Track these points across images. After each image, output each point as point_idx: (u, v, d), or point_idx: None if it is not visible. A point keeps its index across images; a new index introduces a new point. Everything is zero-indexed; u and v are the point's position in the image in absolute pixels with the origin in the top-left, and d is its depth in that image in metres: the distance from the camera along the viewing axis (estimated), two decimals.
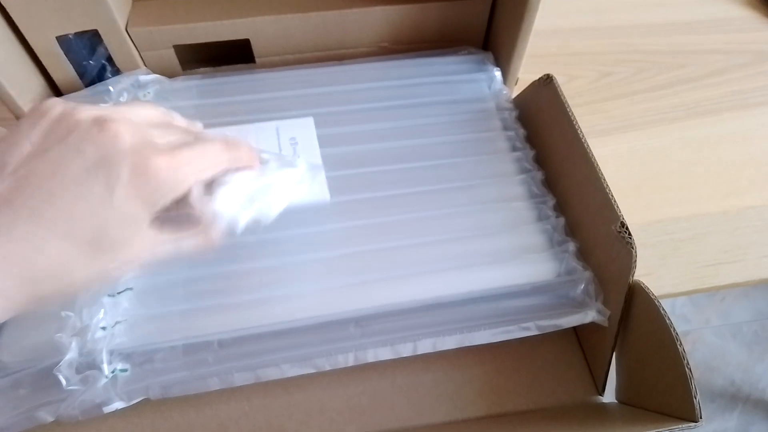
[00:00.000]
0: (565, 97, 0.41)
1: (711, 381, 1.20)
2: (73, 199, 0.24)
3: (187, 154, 0.27)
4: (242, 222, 0.31)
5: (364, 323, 0.35)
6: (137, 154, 0.25)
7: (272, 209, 0.33)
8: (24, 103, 0.43)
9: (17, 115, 0.44)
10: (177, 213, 0.28)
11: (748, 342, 1.25)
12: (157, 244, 0.27)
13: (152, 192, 0.25)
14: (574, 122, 0.39)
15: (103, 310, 0.33)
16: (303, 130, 0.40)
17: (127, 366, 0.32)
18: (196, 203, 0.29)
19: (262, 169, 0.35)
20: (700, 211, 0.46)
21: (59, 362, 0.31)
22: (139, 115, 0.28)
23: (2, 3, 0.41)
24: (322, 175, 0.37)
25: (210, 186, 0.31)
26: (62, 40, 0.44)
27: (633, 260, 0.32)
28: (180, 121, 0.31)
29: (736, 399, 1.18)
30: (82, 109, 0.26)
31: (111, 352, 0.32)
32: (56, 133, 0.24)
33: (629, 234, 0.33)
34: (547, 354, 0.38)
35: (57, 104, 0.26)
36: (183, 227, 0.29)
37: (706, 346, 1.24)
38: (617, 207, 0.34)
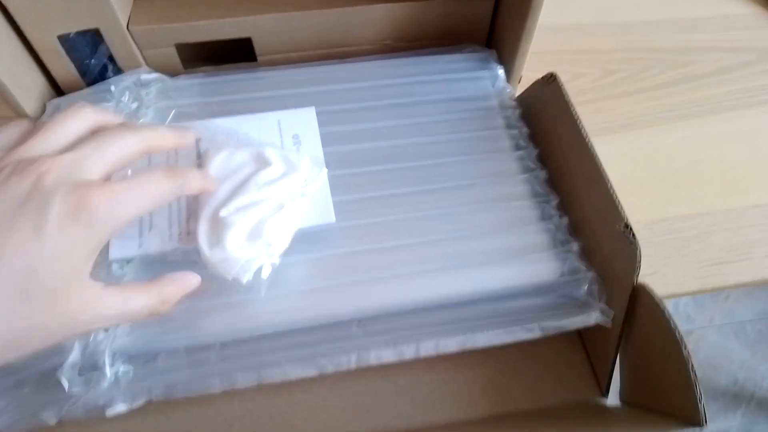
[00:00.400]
0: (568, 96, 0.41)
1: (714, 380, 1.20)
2: None
3: (123, 185, 0.26)
4: (253, 268, 0.32)
5: (367, 324, 0.35)
6: (66, 192, 0.24)
7: (279, 243, 0.33)
8: (26, 102, 0.43)
9: (19, 114, 0.43)
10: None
11: (752, 341, 1.24)
12: (101, 300, 0.25)
13: (85, 230, 0.24)
14: (578, 121, 0.39)
15: None
16: (305, 122, 0.40)
17: (129, 368, 0.32)
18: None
19: (267, 174, 0.35)
20: (705, 210, 0.46)
21: (62, 363, 0.31)
22: (69, 130, 0.26)
23: (3, 2, 0.40)
24: (328, 196, 0.37)
25: (214, 229, 0.32)
26: (64, 39, 0.44)
27: (637, 261, 0.32)
28: (115, 123, 0.29)
29: (740, 398, 1.18)
30: (2, 157, 0.24)
31: (113, 354, 0.32)
32: None
33: (633, 235, 0.33)
34: (550, 354, 0.38)
35: None
36: (130, 284, 0.27)
37: (710, 345, 1.24)
38: (621, 207, 0.34)
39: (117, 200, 0.25)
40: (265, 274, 0.33)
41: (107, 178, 0.27)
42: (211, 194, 0.34)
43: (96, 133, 0.27)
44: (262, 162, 0.36)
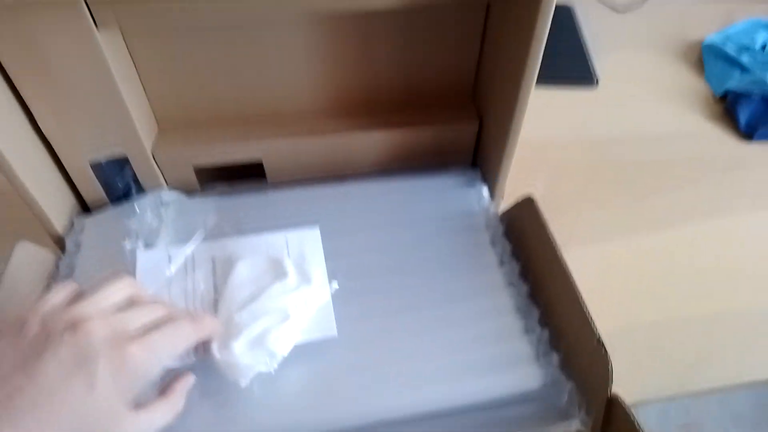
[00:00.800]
0: (544, 217, 0.46)
1: None
2: (54, 404, 0.27)
3: (157, 336, 0.31)
4: (251, 374, 0.37)
5: None
6: (111, 347, 0.29)
7: (280, 352, 0.38)
8: (56, 220, 0.48)
9: (49, 231, 0.48)
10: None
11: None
12: (137, 426, 0.30)
13: (129, 382, 0.29)
14: (553, 241, 0.44)
15: None
16: (310, 242, 0.45)
17: None
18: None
19: (282, 284, 0.40)
20: (678, 315, 0.50)
21: None
22: (110, 296, 0.32)
23: (43, 131, 0.46)
24: (331, 311, 0.41)
25: (226, 333, 0.37)
26: (94, 165, 0.49)
27: (610, 375, 0.36)
28: (147, 295, 0.35)
29: None
30: (56, 315, 0.29)
31: None
32: (34, 348, 0.28)
33: (605, 350, 0.36)
34: None
35: (32, 317, 0.29)
36: (152, 402, 0.32)
37: None
38: (593, 324, 0.38)
39: (152, 349, 0.30)
40: (261, 380, 0.37)
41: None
42: (229, 299, 0.39)
43: (137, 304, 0.33)
44: (279, 272, 0.41)
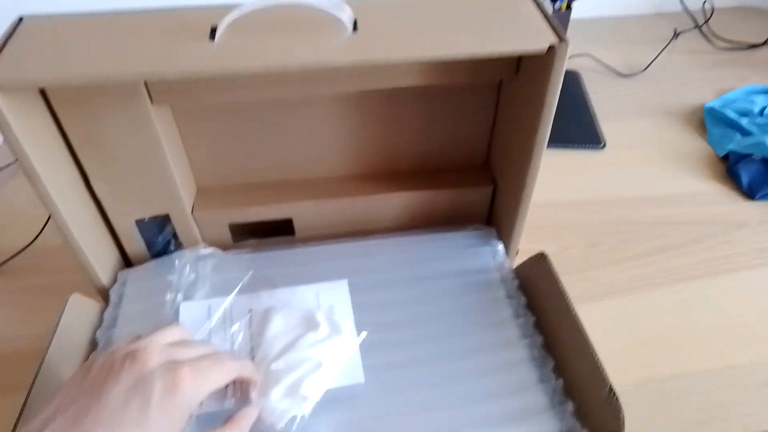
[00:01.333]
0: (556, 272, 0.49)
1: None
2: (114, 421, 0.30)
3: (206, 363, 0.35)
4: (287, 418, 0.40)
5: None
6: (165, 370, 0.32)
7: (313, 398, 0.41)
8: (102, 274, 0.52)
9: (96, 284, 0.52)
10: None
11: None
12: None
13: (179, 403, 0.32)
14: (565, 294, 0.47)
15: None
16: (339, 294, 0.49)
17: None
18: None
19: (314, 335, 0.43)
20: (684, 371, 0.52)
21: None
22: (165, 337, 0.36)
23: (96, 193, 0.51)
24: (358, 359, 0.44)
25: (264, 381, 0.40)
26: (139, 223, 0.54)
27: (621, 424, 0.38)
28: (195, 339, 0.40)
29: None
30: (119, 349, 0.34)
31: None
32: (99, 375, 0.32)
33: (617, 399, 0.39)
34: None
35: (98, 357, 0.34)
36: (218, 427, 0.36)
37: None
38: (605, 374, 0.41)
39: (201, 374, 0.33)
40: (295, 424, 0.40)
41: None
42: (265, 349, 0.42)
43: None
44: (312, 323, 0.44)
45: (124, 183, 0.50)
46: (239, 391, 0.41)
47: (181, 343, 0.36)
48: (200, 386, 0.33)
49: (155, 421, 0.31)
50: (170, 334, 0.37)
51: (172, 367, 0.33)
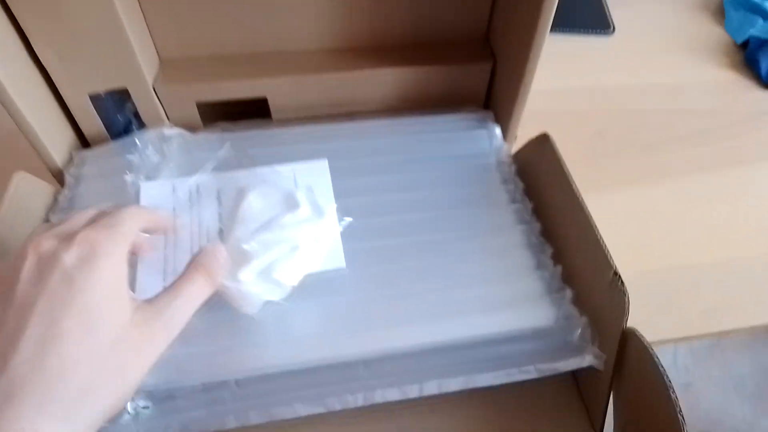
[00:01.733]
0: (560, 155, 0.44)
1: None
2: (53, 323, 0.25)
3: (105, 218, 0.29)
4: (258, 303, 0.36)
5: (373, 365, 0.37)
6: (66, 249, 0.26)
7: (288, 283, 0.37)
8: (56, 153, 0.46)
9: (48, 165, 0.47)
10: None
11: (751, 395, 1.24)
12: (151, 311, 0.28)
13: (105, 266, 0.26)
14: (569, 176, 0.42)
15: None
16: (318, 174, 0.44)
17: (149, 404, 0.34)
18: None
19: (293, 216, 0.38)
20: (692, 262, 0.49)
21: None
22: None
23: (43, 63, 0.44)
24: (339, 243, 0.40)
25: (234, 261, 0.36)
26: (94, 98, 0.48)
27: (626, 307, 0.35)
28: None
29: None
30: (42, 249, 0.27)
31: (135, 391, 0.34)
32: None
33: (622, 282, 0.35)
34: (547, 398, 0.40)
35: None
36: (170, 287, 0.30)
37: (709, 400, 1.23)
38: (610, 257, 0.37)
39: (106, 225, 0.28)
40: (271, 310, 0.36)
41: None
42: (237, 229, 0.38)
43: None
44: (291, 203, 0.39)
45: (74, 51, 0.44)
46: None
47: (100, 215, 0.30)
48: (115, 238, 0.28)
49: (93, 306, 0.26)
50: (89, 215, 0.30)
51: (69, 240, 0.27)
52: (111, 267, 0.27)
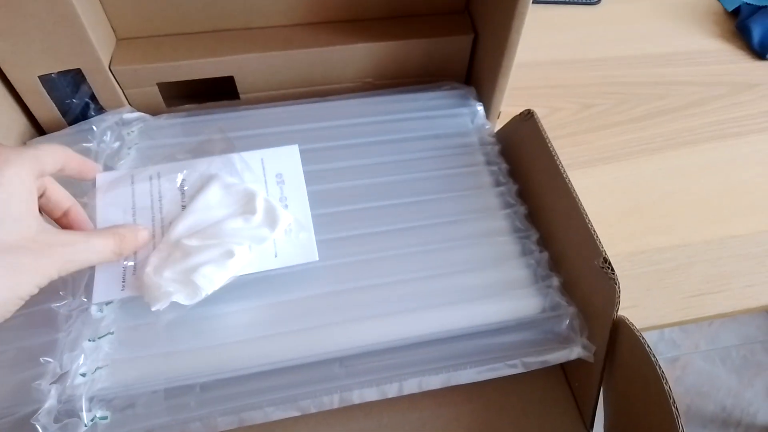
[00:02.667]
0: (545, 132, 0.41)
1: (702, 407, 1.19)
2: None
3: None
4: (170, 300, 0.33)
5: (349, 363, 0.34)
6: None
7: (205, 289, 0.34)
8: (6, 141, 0.43)
9: None
10: None
11: (737, 367, 1.24)
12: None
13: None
14: (555, 157, 0.40)
15: (83, 356, 0.32)
16: (288, 161, 0.41)
17: (107, 413, 0.32)
18: None
19: (241, 220, 0.36)
20: (684, 241, 0.47)
21: (38, 410, 0.30)
22: None
23: None
24: (311, 235, 0.37)
25: (168, 255, 0.33)
26: (45, 79, 0.44)
27: (616, 296, 0.32)
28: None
29: (728, 425, 1.17)
30: None
31: (91, 399, 0.32)
32: None
33: (612, 269, 0.33)
34: (535, 390, 0.38)
35: None
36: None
37: (696, 372, 1.24)
38: (599, 242, 0.34)
39: None
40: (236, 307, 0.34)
41: None
42: (186, 218, 0.35)
43: None
44: (249, 208, 0.37)
45: (19, 26, 0.40)
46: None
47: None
48: (24, 155, 0.29)
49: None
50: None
51: None
52: (19, 176, 0.28)
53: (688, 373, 1.24)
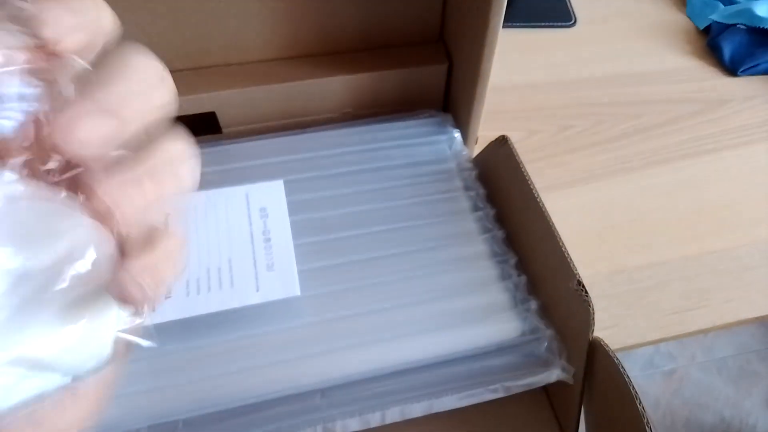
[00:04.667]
0: (519, 157, 0.42)
1: (701, 418, 1.19)
2: None
3: None
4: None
5: (330, 394, 0.35)
6: None
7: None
8: None
9: None
10: None
11: (734, 377, 1.25)
12: None
13: None
14: (529, 181, 0.40)
15: None
16: (273, 195, 0.42)
17: None
18: None
19: None
20: (662, 259, 0.48)
21: None
22: None
23: None
24: (294, 270, 0.37)
25: None
26: None
27: (591, 317, 0.33)
28: None
29: None
30: None
31: None
32: None
33: (586, 292, 0.34)
34: (518, 413, 0.38)
35: None
36: None
37: (694, 383, 1.24)
38: (573, 265, 0.35)
39: None
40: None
41: None
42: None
43: None
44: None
45: None
46: None
47: None
48: None
49: None
50: None
51: None
52: None
53: (685, 385, 1.24)
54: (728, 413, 1.19)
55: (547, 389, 0.39)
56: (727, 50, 0.66)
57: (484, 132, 0.50)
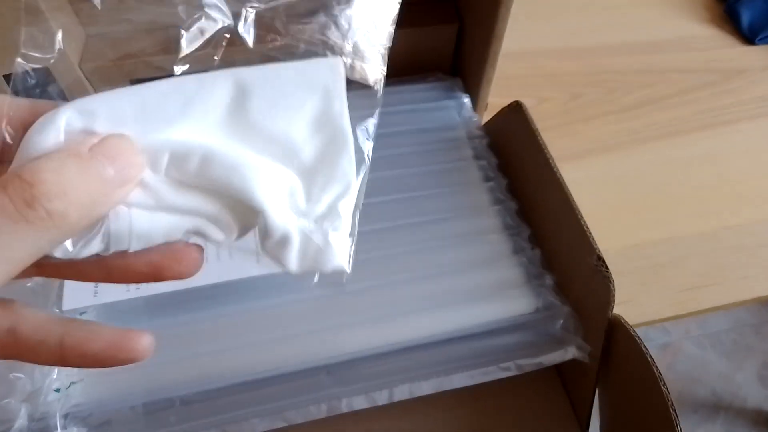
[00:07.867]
0: (535, 124, 0.40)
1: (693, 391, 1.20)
2: None
3: None
4: None
5: (336, 371, 0.33)
6: None
7: None
8: None
9: None
10: None
11: (728, 351, 1.25)
12: None
13: None
14: (545, 150, 0.38)
15: (56, 371, 0.31)
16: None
17: (83, 430, 0.30)
18: None
19: None
20: (677, 234, 0.46)
21: (8, 430, 0.29)
22: None
23: None
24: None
25: None
26: (9, 79, 0.42)
27: (611, 294, 0.31)
28: None
29: (718, 408, 1.18)
30: None
31: (66, 416, 0.30)
32: None
33: (606, 267, 0.32)
34: (530, 392, 0.37)
35: None
36: None
37: (687, 357, 1.24)
38: (593, 239, 0.33)
39: None
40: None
41: None
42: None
43: None
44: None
45: None
46: None
47: None
48: None
49: None
50: None
51: None
52: None
53: (679, 359, 1.24)
54: (720, 387, 1.20)
55: (560, 369, 0.38)
56: (745, 17, 0.63)
57: (493, 99, 0.48)
